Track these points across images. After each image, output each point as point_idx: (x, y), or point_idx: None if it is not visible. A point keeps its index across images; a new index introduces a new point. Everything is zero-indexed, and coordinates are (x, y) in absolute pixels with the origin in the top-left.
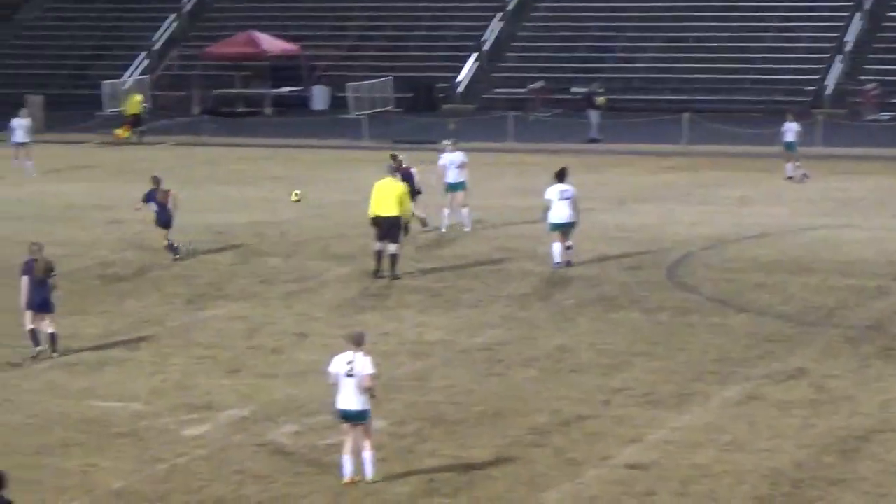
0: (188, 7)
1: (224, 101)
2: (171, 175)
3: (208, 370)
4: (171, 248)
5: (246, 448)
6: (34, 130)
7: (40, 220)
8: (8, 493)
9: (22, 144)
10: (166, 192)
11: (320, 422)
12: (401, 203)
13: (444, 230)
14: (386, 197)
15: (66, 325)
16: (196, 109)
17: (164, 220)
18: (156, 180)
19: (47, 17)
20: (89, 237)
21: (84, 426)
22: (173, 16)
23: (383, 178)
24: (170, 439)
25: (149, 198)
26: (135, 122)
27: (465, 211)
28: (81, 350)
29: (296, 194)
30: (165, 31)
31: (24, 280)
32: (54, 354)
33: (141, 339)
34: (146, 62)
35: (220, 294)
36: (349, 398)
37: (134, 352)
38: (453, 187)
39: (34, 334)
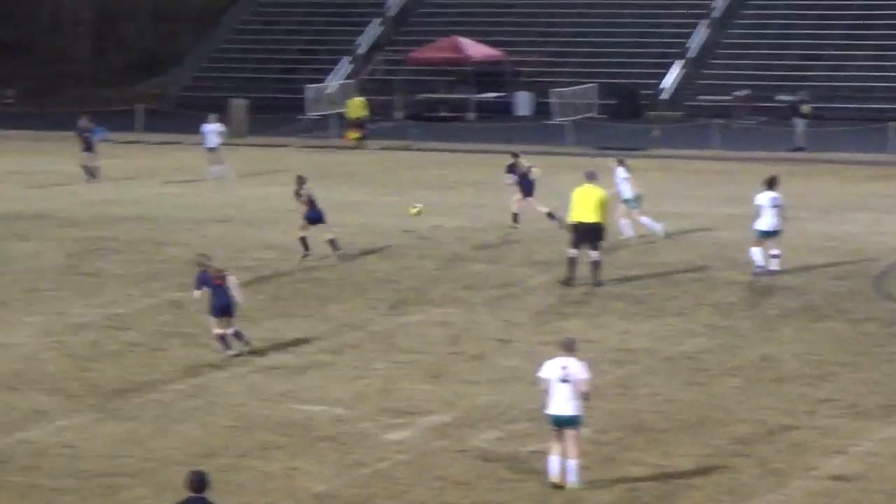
0: (393, 12)
1: (427, 106)
2: (373, 179)
3: (411, 375)
4: (333, 244)
5: (447, 454)
6: (235, 134)
7: (245, 223)
8: (210, 496)
9: (212, 149)
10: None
11: (523, 428)
12: (602, 209)
13: (660, 234)
14: (587, 203)
15: (269, 328)
16: (399, 114)
17: (315, 217)
18: (300, 180)
19: (254, 21)
20: (291, 241)
21: (286, 429)
22: (378, 20)
23: (583, 185)
24: (372, 444)
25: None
26: (358, 124)
27: (644, 219)
28: (282, 352)
29: (415, 208)
30: (370, 35)
31: (198, 293)
32: (245, 349)
33: (344, 343)
34: (350, 67)
35: (424, 299)
36: (562, 403)
37: (337, 356)
38: (627, 202)
39: (223, 339)
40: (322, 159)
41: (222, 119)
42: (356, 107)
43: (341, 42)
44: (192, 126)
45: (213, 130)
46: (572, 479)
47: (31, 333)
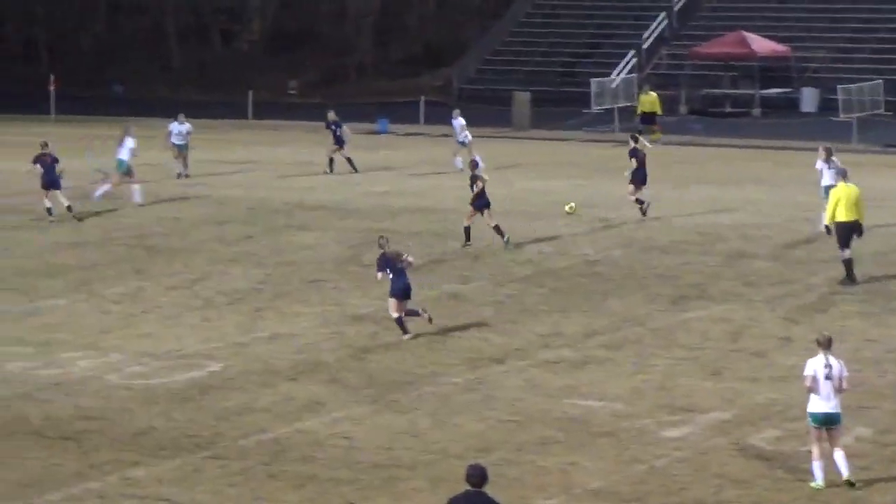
0: (679, 5)
1: (711, 102)
2: (654, 175)
3: (690, 372)
4: (499, 231)
5: (726, 451)
6: (518, 127)
7: (525, 216)
8: (489, 490)
9: (463, 144)
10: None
11: (802, 427)
12: (860, 206)
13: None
14: (848, 202)
15: (548, 322)
16: (683, 109)
17: (483, 204)
18: (473, 164)
19: (537, 13)
20: (573, 234)
21: (564, 424)
22: (663, 14)
23: (839, 184)
24: (649, 440)
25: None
26: (648, 119)
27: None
28: (562, 347)
29: (570, 206)
30: (655, 29)
31: (381, 274)
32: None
33: (623, 338)
34: (634, 61)
35: (704, 295)
36: (827, 401)
37: (615, 351)
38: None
39: (400, 322)
40: (604, 153)
41: (505, 112)
42: (649, 102)
43: (626, 35)
44: (475, 119)
45: (461, 125)
46: (845, 471)
47: (311, 324)
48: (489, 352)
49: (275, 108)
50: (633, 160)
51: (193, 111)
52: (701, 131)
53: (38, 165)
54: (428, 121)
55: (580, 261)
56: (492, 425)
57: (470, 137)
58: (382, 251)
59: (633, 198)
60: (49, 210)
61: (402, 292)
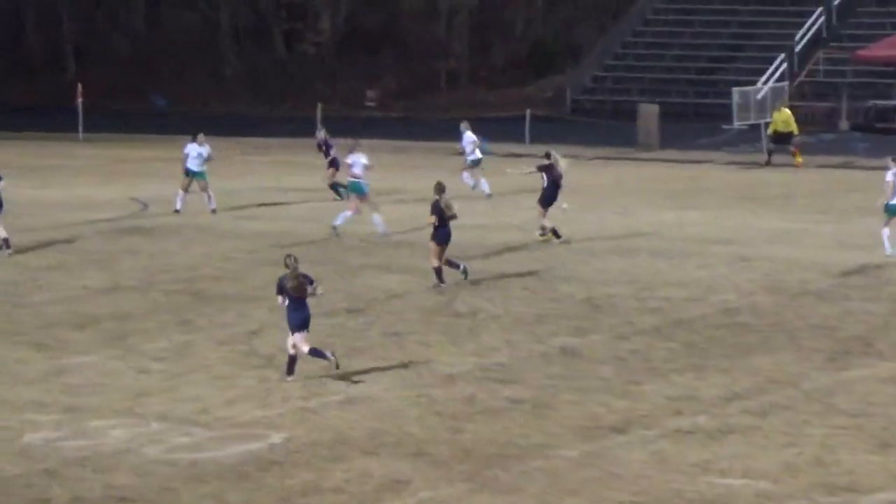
0: (837, 0)
1: (878, 115)
2: (809, 204)
3: (852, 443)
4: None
5: None
6: (644, 146)
7: (654, 254)
8: None
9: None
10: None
11: None
12: None
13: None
14: None
15: (681, 383)
16: (844, 124)
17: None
18: (439, 187)
19: (667, 10)
20: (710, 277)
21: None
22: (819, 10)
23: None
24: None
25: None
26: (782, 140)
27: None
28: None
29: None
30: (809, 29)
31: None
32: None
33: (771, 402)
34: (784, 66)
35: (870, 351)
36: None
37: (762, 418)
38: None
39: (313, 352)
40: (748, 178)
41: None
42: (783, 120)
43: (774, 36)
44: (592, 137)
45: (472, 140)
46: None
47: (392, 386)
48: (608, 419)
49: (349, 124)
50: (544, 176)
51: (249, 128)
52: (864, 151)
53: None
54: (535, 139)
55: (718, 309)
56: None
57: (480, 156)
58: (288, 274)
59: (542, 224)
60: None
61: (301, 324)
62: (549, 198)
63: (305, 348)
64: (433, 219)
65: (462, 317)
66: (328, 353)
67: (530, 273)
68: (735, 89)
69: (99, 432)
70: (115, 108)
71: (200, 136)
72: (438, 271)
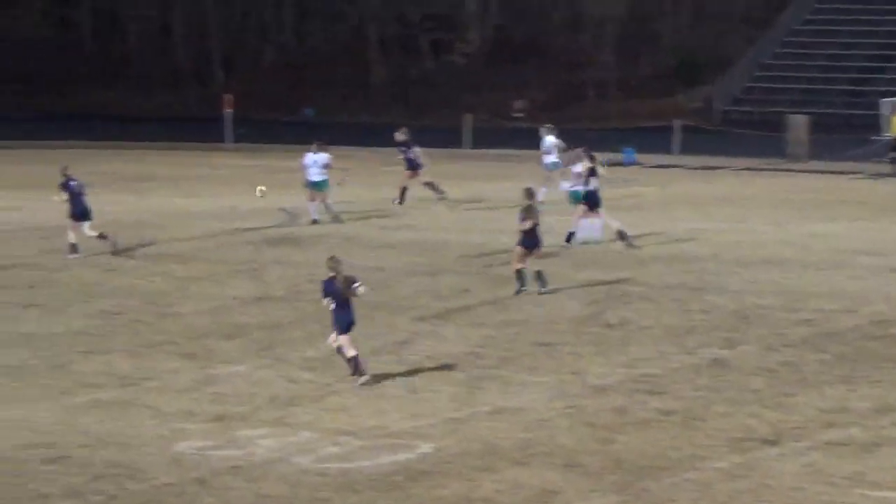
0: None
1: None
2: None
3: None
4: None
5: None
6: (793, 157)
7: (805, 266)
8: None
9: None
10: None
11: None
12: None
13: None
14: None
15: (832, 394)
16: None
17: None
18: (529, 193)
19: (817, 20)
20: (861, 288)
21: None
22: None
23: None
24: None
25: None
26: None
27: None
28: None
29: (260, 190)
30: None
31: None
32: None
33: None
34: None
35: None
36: None
37: None
38: None
39: (354, 359)
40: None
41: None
42: None
43: None
44: (740, 147)
45: (553, 144)
46: None
47: (542, 396)
48: (760, 431)
49: (496, 135)
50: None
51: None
52: None
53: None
54: (684, 150)
55: (869, 320)
56: None
57: (558, 160)
58: (332, 275)
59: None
60: (74, 246)
61: (347, 326)
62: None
63: (351, 352)
64: (528, 224)
65: (612, 328)
66: (363, 369)
67: (680, 285)
68: (883, 100)
69: (248, 441)
70: (263, 119)
71: (315, 146)
72: (519, 274)
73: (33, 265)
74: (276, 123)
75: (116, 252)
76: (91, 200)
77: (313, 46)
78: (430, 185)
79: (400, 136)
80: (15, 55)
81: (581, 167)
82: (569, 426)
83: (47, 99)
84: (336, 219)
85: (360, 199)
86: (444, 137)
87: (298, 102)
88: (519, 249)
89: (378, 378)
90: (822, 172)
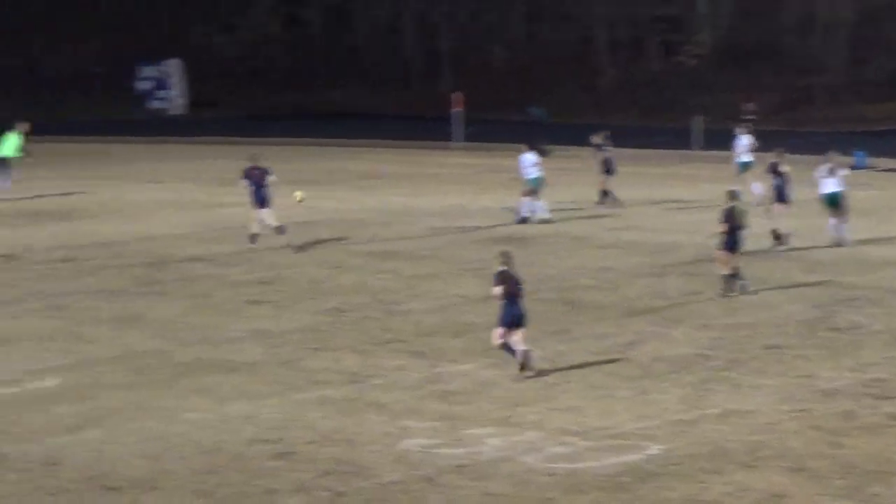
0: None
1: None
2: None
3: None
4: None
5: None
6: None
7: None
8: None
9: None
10: None
11: None
12: None
13: None
14: None
15: None
16: None
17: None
18: (732, 195)
19: None
20: None
21: None
22: None
23: None
24: None
25: None
26: None
27: None
28: None
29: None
30: None
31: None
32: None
33: None
34: None
35: None
36: None
37: None
38: None
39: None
40: None
41: None
42: None
43: None
44: None
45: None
46: None
47: (770, 399)
48: None
49: (726, 136)
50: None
51: (623, 139)
52: None
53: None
54: None
55: None
56: None
57: (752, 159)
58: (503, 269)
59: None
60: (253, 237)
61: (513, 321)
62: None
63: (522, 346)
64: (724, 227)
65: (841, 331)
66: (532, 364)
67: None
68: None
69: (475, 440)
70: (491, 118)
71: (526, 146)
72: (727, 278)
73: (269, 264)
74: (504, 123)
75: (293, 247)
76: (313, 196)
77: (542, 47)
78: (606, 193)
79: (597, 139)
80: (245, 53)
81: (829, 169)
82: (797, 430)
83: (278, 96)
84: (539, 220)
85: (586, 200)
86: (672, 139)
87: (526, 102)
88: (720, 254)
89: (606, 378)
90: None
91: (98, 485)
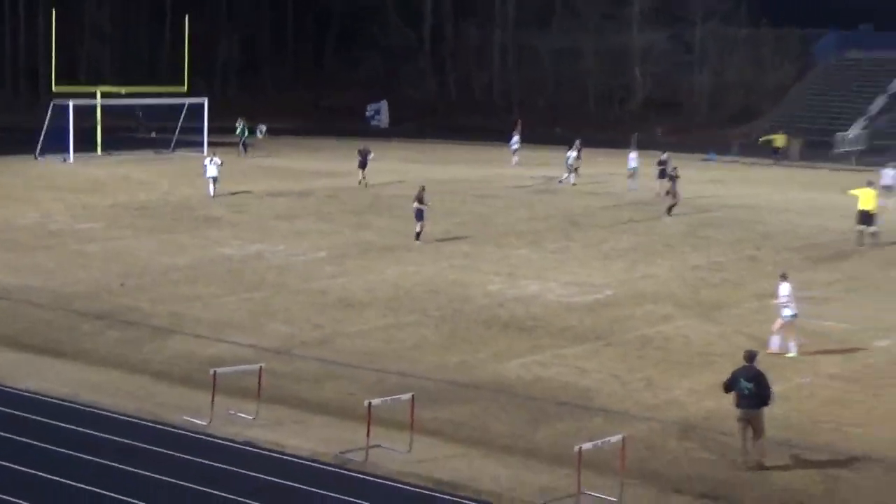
0: None
1: None
2: None
3: None
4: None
5: None
6: None
7: None
8: None
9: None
10: None
11: None
12: None
13: None
14: None
15: None
16: None
17: None
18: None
19: None
20: None
21: None
22: None
23: None
24: None
25: None
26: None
27: None
28: None
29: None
30: None
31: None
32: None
33: None
34: None
35: None
36: None
37: None
38: None
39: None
40: None
41: None
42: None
43: None
44: None
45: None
46: None
47: (665, 270)
48: None
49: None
50: None
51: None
52: None
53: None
54: None
55: None
56: None
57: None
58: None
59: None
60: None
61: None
62: None
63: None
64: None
65: (700, 238)
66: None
67: None
68: None
69: (524, 286)
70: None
71: (637, 148)
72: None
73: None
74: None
75: None
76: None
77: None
78: None
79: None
80: (375, 61)
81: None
82: (677, 285)
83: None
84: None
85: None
86: None
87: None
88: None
89: (588, 258)
90: None
91: (344, 304)
